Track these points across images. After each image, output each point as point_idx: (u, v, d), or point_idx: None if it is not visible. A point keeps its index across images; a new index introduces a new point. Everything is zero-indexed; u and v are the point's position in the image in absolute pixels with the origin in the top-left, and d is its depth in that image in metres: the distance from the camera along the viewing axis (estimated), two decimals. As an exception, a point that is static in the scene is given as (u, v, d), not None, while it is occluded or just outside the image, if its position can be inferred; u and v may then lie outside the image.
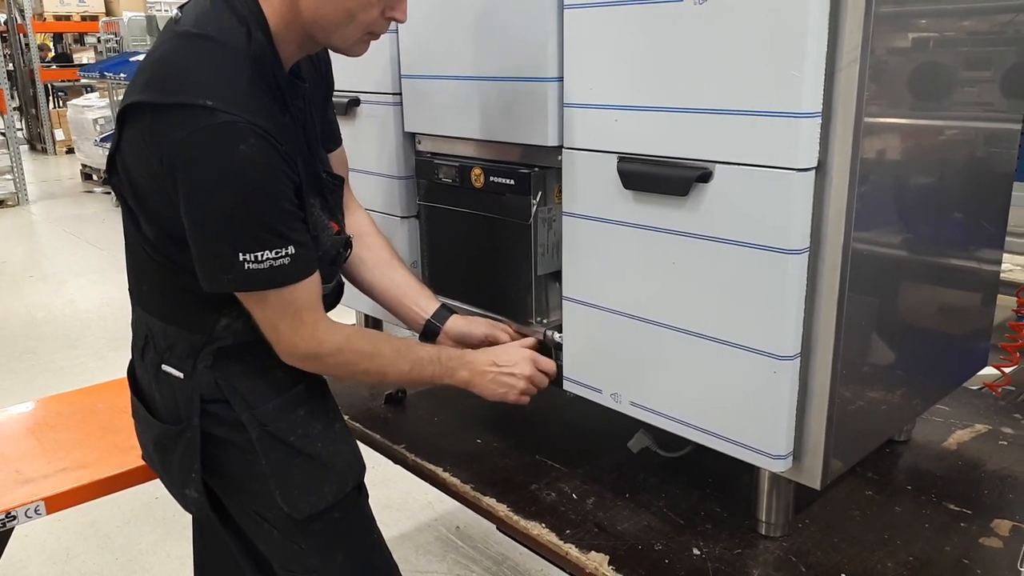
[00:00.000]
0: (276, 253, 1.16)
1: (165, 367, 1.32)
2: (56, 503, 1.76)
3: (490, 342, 1.55)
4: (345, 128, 1.76)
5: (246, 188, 1.13)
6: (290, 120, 1.25)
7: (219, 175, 1.12)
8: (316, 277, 1.24)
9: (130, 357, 1.42)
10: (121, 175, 1.23)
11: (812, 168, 1.11)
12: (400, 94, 1.70)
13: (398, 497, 3.00)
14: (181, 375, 1.31)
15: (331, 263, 1.35)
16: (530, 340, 1.54)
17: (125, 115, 1.18)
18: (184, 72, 1.15)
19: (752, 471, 1.34)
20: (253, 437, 1.30)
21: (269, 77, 1.21)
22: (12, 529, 1.74)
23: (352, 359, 1.32)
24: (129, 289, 1.38)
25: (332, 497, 1.35)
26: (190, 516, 1.56)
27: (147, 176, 1.19)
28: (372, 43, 1.31)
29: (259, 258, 1.15)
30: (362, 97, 1.79)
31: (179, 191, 1.14)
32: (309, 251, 1.22)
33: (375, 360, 1.35)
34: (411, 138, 1.74)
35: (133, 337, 1.40)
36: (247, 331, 1.28)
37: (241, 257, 1.14)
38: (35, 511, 1.72)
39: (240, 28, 1.18)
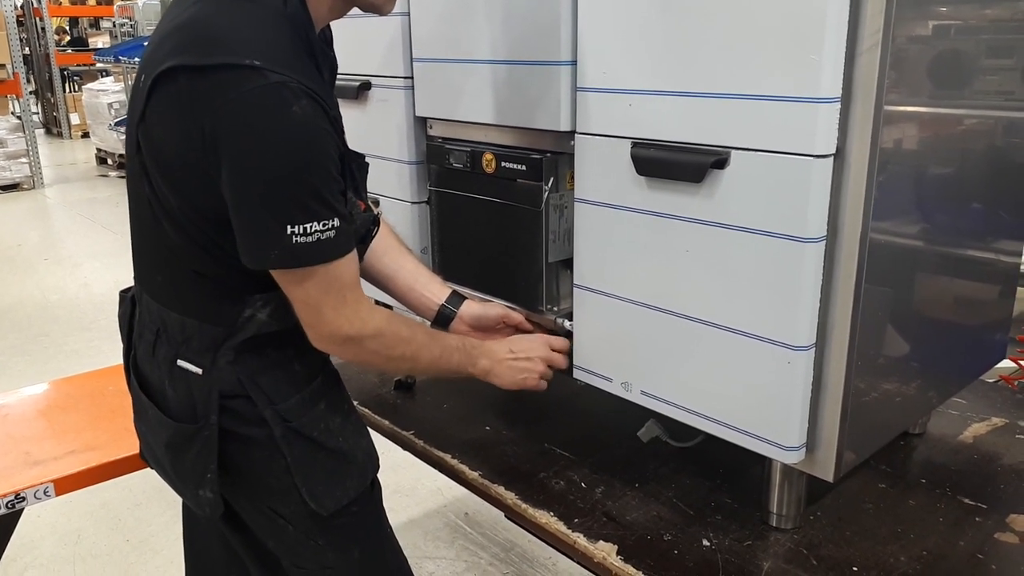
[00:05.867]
0: (324, 225, 1.09)
1: (181, 362, 1.24)
2: (65, 485, 1.77)
3: (505, 323, 1.54)
4: (355, 112, 1.75)
5: (299, 154, 1.06)
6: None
7: (271, 139, 1.05)
8: (355, 254, 1.19)
9: (131, 353, 1.34)
10: (144, 148, 1.15)
11: (830, 155, 1.08)
12: (411, 78, 1.68)
13: (407, 483, 3.01)
14: (199, 371, 1.23)
15: (360, 241, 1.28)
16: (562, 341, 1.49)
17: (155, 83, 1.10)
18: (222, 32, 1.08)
19: (763, 462, 1.33)
20: (276, 434, 1.24)
21: (304, 41, 1.15)
22: (22, 510, 1.74)
23: (391, 343, 1.28)
24: (137, 280, 1.32)
25: (354, 491, 1.32)
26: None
27: (180, 146, 1.10)
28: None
29: (308, 230, 1.08)
30: (373, 81, 1.77)
31: (222, 159, 1.06)
32: (350, 224, 1.16)
33: (411, 345, 1.31)
34: (422, 123, 1.72)
35: (138, 331, 1.31)
36: (270, 322, 1.23)
37: (289, 230, 1.08)
38: (44, 493, 1.73)
39: None
